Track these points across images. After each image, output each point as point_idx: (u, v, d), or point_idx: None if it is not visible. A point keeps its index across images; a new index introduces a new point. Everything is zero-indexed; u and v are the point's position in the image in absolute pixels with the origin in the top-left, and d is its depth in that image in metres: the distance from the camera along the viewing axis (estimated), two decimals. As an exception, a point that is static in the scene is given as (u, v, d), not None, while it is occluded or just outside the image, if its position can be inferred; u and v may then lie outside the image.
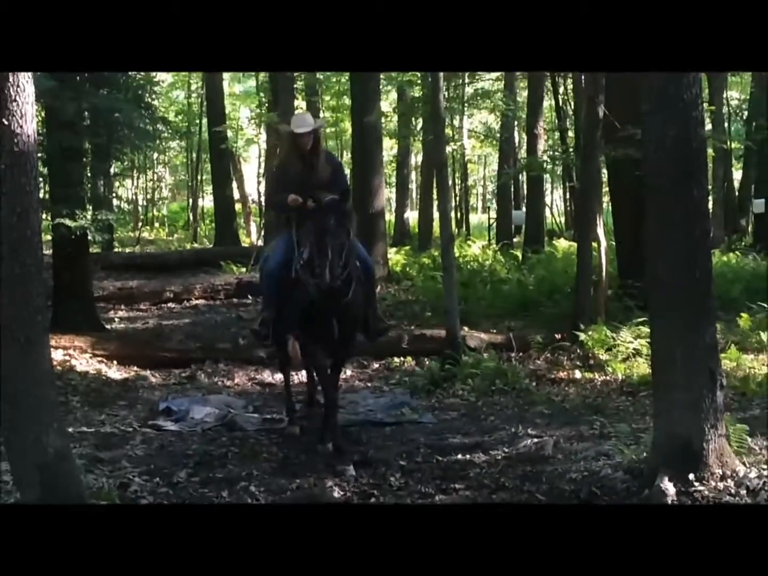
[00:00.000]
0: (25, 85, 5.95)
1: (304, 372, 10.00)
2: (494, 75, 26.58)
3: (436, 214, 21.64)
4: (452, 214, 19.76)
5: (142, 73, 16.54)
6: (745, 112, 26.18)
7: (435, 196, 20.81)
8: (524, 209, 24.63)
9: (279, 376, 11.11)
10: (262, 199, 28.46)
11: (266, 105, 26.45)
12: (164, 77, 28.94)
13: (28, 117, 5.92)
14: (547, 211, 28.50)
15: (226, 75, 30.10)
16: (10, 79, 5.86)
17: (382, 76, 20.72)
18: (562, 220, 30.84)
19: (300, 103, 24.79)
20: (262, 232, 26.58)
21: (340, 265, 7.28)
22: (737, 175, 27.34)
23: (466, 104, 27.15)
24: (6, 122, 5.80)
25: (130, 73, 15.29)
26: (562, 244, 21.83)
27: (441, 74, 14.00)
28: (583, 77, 16.25)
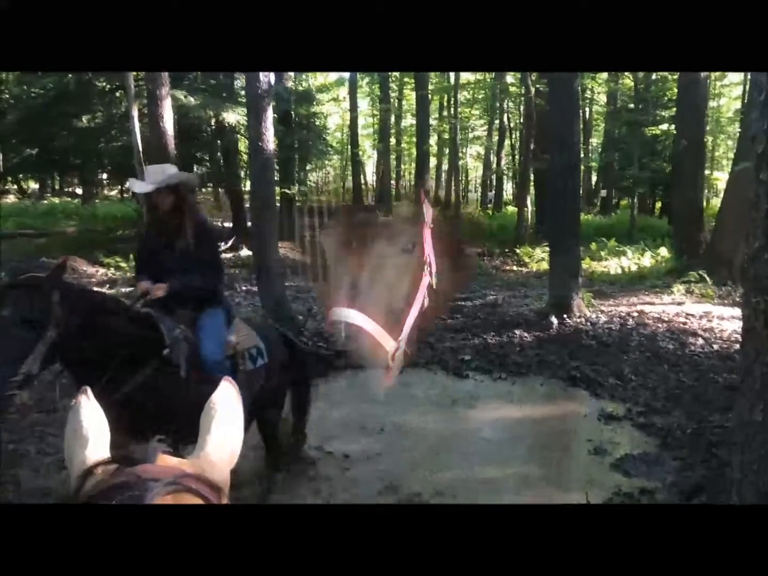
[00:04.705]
0: (268, 117, 5.88)
1: None
2: (482, 128, 25.78)
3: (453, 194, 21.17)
4: (461, 193, 19.27)
5: (321, 122, 16.58)
6: (599, 149, 25.33)
7: (453, 185, 20.30)
8: (494, 192, 24.26)
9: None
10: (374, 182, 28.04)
11: (377, 140, 25.92)
12: (331, 125, 28.51)
13: (270, 140, 5.93)
14: (504, 193, 27.90)
15: (360, 122, 29.41)
16: (262, 117, 5.78)
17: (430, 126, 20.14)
18: (511, 197, 30.07)
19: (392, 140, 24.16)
20: (376, 196, 26.28)
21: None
22: (594, 177, 26.64)
23: (468, 142, 26.81)
24: (260, 144, 5.83)
25: (316, 123, 15.37)
26: (510, 209, 21.35)
27: (458, 128, 13.72)
28: (524, 130, 15.72)
